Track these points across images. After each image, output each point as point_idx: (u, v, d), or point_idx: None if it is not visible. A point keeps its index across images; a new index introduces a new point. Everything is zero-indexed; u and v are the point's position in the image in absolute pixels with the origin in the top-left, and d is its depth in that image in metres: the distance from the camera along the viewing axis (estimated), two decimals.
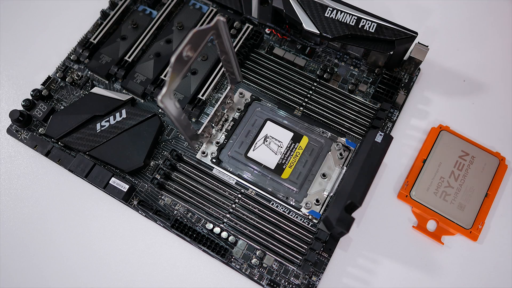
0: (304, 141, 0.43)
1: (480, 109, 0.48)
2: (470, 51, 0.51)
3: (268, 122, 0.44)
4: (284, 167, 0.43)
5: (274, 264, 0.41)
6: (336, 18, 0.44)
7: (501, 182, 0.44)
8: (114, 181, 0.43)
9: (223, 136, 0.44)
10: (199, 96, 0.46)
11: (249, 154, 0.43)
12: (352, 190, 0.36)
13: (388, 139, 0.38)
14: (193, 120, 0.47)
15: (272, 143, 0.43)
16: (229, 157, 0.43)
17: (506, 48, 0.51)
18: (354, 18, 0.44)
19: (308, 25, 0.45)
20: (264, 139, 0.44)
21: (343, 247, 0.42)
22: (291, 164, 0.43)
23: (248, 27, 0.49)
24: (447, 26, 0.52)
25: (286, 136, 0.44)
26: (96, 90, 0.47)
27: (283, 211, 0.42)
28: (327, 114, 0.46)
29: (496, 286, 0.40)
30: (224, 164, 0.43)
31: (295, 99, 0.47)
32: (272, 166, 0.43)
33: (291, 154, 0.43)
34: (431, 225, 0.43)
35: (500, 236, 0.42)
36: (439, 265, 0.41)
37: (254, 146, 0.43)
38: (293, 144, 0.43)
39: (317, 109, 0.46)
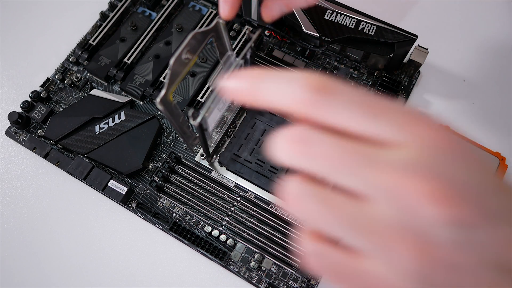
0: None
1: (480, 109, 0.48)
2: (470, 51, 0.50)
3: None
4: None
5: (273, 267, 0.40)
6: (335, 21, 0.44)
7: None
8: (112, 183, 0.43)
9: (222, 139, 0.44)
10: (198, 98, 0.46)
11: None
12: None
13: None
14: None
15: None
16: (228, 159, 0.43)
17: (506, 48, 0.50)
18: (353, 21, 0.44)
19: (308, 28, 0.45)
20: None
21: None
22: None
23: (247, 29, 0.49)
24: (447, 26, 0.52)
25: None
26: (95, 92, 0.47)
27: (282, 214, 0.42)
28: None
29: None
30: (223, 167, 0.43)
31: None
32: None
33: None
34: None
35: None
36: None
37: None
38: None
39: None
